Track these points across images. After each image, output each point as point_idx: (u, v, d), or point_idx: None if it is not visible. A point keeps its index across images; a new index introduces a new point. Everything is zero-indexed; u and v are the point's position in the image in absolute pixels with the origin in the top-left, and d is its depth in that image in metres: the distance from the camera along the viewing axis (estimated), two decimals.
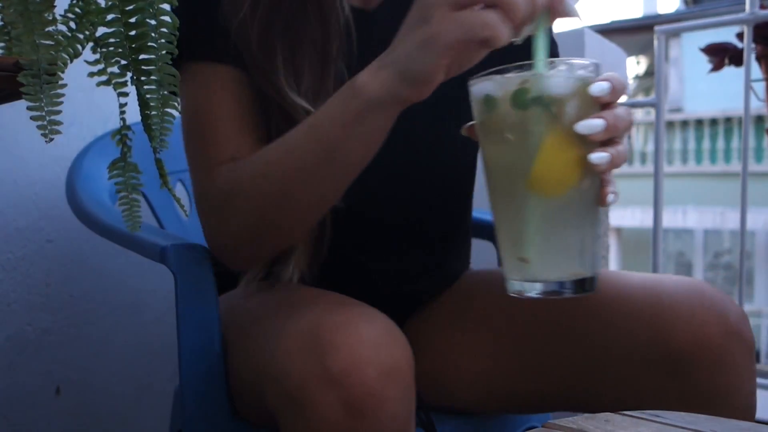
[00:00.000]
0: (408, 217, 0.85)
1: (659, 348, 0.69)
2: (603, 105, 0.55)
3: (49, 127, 0.55)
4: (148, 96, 0.59)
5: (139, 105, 0.60)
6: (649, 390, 0.69)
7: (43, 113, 0.55)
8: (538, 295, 0.57)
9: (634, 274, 0.78)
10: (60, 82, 0.55)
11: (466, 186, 0.91)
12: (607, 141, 0.55)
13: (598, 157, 0.54)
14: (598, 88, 0.54)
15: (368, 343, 0.60)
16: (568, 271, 0.56)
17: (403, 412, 0.61)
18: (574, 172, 0.55)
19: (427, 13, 0.55)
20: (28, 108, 0.55)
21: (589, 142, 0.54)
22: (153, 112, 0.60)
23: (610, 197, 0.56)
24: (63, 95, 0.56)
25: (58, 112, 0.56)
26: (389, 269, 0.86)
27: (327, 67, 0.74)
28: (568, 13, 0.55)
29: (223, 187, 0.72)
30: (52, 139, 0.55)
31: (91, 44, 0.58)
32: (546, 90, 0.53)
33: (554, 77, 0.54)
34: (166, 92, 0.60)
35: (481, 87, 0.56)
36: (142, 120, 0.61)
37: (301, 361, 0.60)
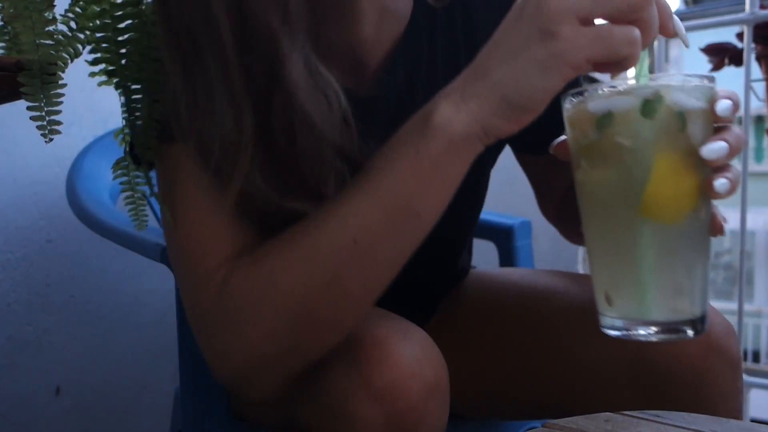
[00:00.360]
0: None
1: (638, 365, 0.67)
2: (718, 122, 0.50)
3: (49, 128, 0.55)
4: (133, 105, 0.58)
5: (125, 112, 0.58)
6: (630, 407, 0.68)
7: (43, 113, 0.55)
8: (651, 337, 0.50)
9: None
10: (60, 82, 0.55)
11: (481, 205, 0.86)
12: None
13: (721, 184, 0.48)
14: (724, 106, 0.48)
15: (411, 358, 0.58)
16: (685, 309, 0.50)
17: (441, 426, 0.60)
18: (693, 197, 0.49)
19: (549, 26, 0.46)
20: (28, 108, 0.55)
21: (707, 164, 0.48)
22: (138, 122, 0.58)
23: (725, 226, 0.51)
24: (63, 95, 0.55)
25: (58, 112, 0.55)
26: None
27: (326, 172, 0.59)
28: (677, 33, 0.50)
29: (236, 296, 0.56)
30: (51, 140, 0.55)
31: (92, 44, 0.58)
32: (675, 103, 0.47)
33: (685, 90, 0.48)
34: (151, 100, 0.58)
35: (597, 102, 0.49)
36: (128, 127, 0.59)
37: (344, 378, 0.58)
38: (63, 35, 0.55)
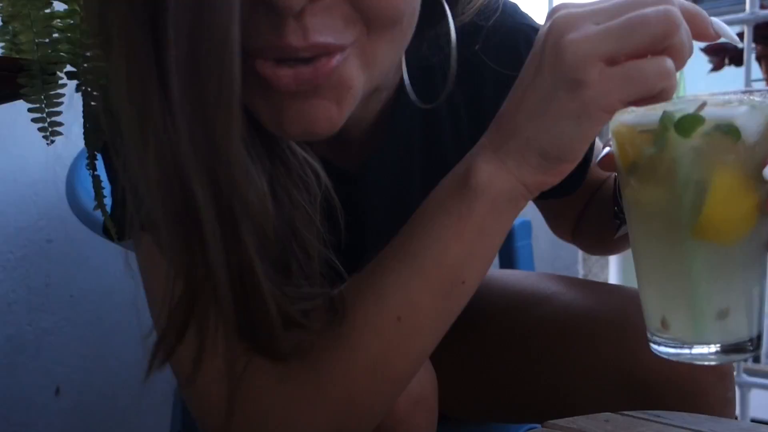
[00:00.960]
0: None
1: (625, 375, 0.66)
2: None
3: (50, 129, 0.55)
4: (93, 107, 0.55)
5: (84, 116, 0.54)
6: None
7: (44, 114, 0.55)
8: (709, 360, 0.48)
9: (613, 287, 0.74)
10: (60, 82, 0.55)
11: None
12: None
13: None
14: None
15: None
16: (741, 330, 0.48)
17: None
18: (751, 218, 0.46)
19: (574, 74, 0.42)
20: (29, 109, 0.55)
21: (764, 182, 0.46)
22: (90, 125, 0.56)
23: None
24: (63, 95, 0.55)
25: (59, 113, 0.55)
26: None
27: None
28: (722, 35, 0.47)
29: (271, 401, 0.48)
30: (53, 141, 0.55)
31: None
32: (735, 120, 0.44)
33: (738, 107, 0.45)
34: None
35: (641, 115, 0.47)
36: (84, 134, 0.56)
37: None
38: (48, 35, 0.54)
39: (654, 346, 0.51)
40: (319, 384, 0.47)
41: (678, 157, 0.45)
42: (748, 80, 1.41)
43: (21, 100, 0.56)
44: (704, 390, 0.64)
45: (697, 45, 1.71)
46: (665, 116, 0.44)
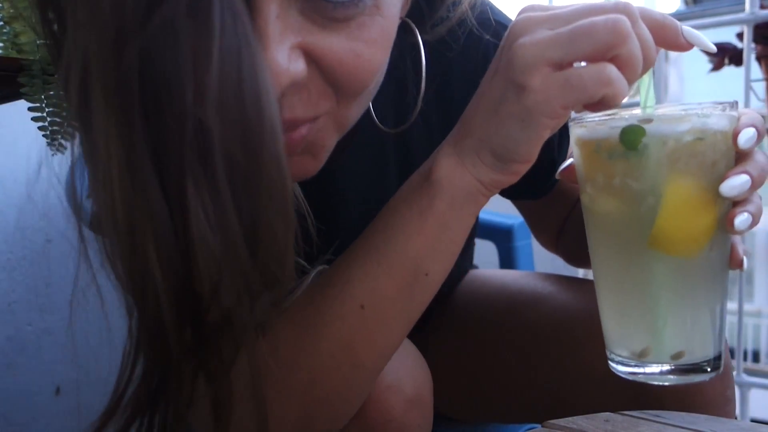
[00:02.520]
0: None
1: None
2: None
3: (50, 128, 0.55)
4: None
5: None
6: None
7: (44, 114, 0.55)
8: (654, 378, 0.47)
9: None
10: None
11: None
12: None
13: (741, 221, 0.45)
14: (746, 137, 0.45)
15: (389, 369, 0.56)
16: (697, 349, 0.47)
17: None
18: (708, 231, 0.45)
19: (520, 78, 0.44)
20: (29, 109, 0.55)
21: (727, 198, 0.45)
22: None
23: (745, 260, 0.48)
24: (64, 95, 0.55)
25: (59, 113, 0.55)
26: None
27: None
28: (694, 43, 0.46)
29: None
30: (53, 140, 0.55)
31: None
32: (676, 134, 0.44)
33: (689, 120, 0.45)
34: None
35: (592, 128, 0.47)
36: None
37: None
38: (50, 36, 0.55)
39: (611, 364, 0.50)
40: (285, 366, 0.49)
41: (629, 169, 0.45)
42: (748, 80, 1.41)
43: (21, 100, 0.56)
44: (702, 388, 0.63)
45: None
46: (613, 129, 0.45)
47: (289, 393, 0.50)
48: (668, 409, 0.62)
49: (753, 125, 0.46)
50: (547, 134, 0.46)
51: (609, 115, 0.46)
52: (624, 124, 0.45)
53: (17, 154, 1.16)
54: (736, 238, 0.49)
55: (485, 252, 1.15)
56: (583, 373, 0.70)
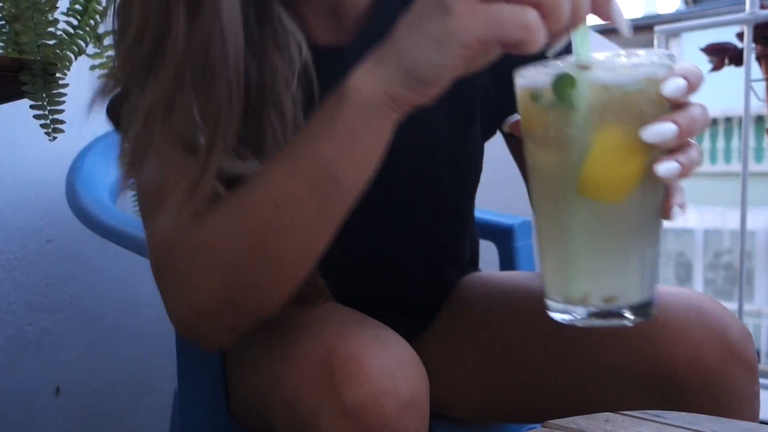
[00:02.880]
0: (408, 240, 0.80)
1: (653, 370, 0.66)
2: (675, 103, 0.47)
3: (52, 126, 0.56)
4: None
5: None
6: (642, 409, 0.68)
7: (46, 112, 0.55)
8: (584, 322, 0.49)
9: None
10: (61, 81, 0.55)
11: (473, 187, 0.85)
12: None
13: (666, 169, 0.46)
14: (672, 87, 0.46)
15: (385, 372, 0.57)
16: (622, 294, 0.48)
17: None
18: (634, 178, 0.47)
19: (447, 1, 0.45)
20: (31, 107, 0.55)
21: (655, 147, 0.46)
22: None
23: (676, 210, 0.49)
24: (65, 95, 0.56)
25: (61, 111, 0.56)
26: (394, 293, 0.82)
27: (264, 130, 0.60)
28: (614, 20, 0.47)
29: (179, 256, 0.58)
30: (55, 138, 0.56)
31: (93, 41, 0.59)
32: (605, 82, 0.45)
33: (620, 69, 0.46)
34: None
35: (529, 78, 0.48)
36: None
37: (314, 391, 0.58)
38: (66, 33, 0.55)
39: (548, 312, 0.51)
40: (213, 246, 0.56)
41: (561, 117, 0.46)
42: (748, 80, 1.41)
43: (21, 100, 0.56)
44: (731, 384, 0.64)
45: (698, 45, 1.71)
46: (547, 77, 0.45)
47: (216, 274, 0.57)
48: (701, 405, 0.63)
49: (685, 76, 0.46)
50: (459, 64, 0.46)
51: (545, 64, 0.46)
52: (557, 72, 0.45)
53: (17, 154, 1.16)
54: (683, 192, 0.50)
55: (485, 252, 1.15)
56: (614, 369, 0.69)
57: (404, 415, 0.57)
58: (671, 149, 0.47)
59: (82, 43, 0.56)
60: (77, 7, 0.56)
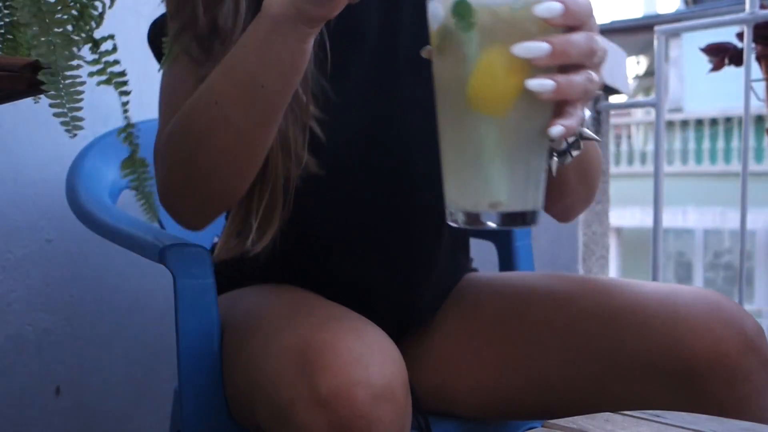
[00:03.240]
0: (395, 191, 0.80)
1: (674, 360, 0.68)
2: (569, 29, 0.51)
3: (72, 123, 0.57)
4: None
5: None
6: (661, 401, 0.69)
7: (65, 110, 0.56)
8: (463, 224, 0.54)
9: (646, 283, 0.77)
10: (78, 80, 0.56)
11: None
12: (567, 68, 0.51)
13: (536, 84, 0.49)
14: (544, 8, 0.49)
15: (358, 362, 0.58)
16: (507, 201, 0.53)
17: None
18: (513, 94, 0.51)
19: None
20: (51, 105, 0.56)
21: (536, 66, 0.50)
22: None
23: (555, 129, 0.51)
24: (83, 92, 0.57)
25: (80, 109, 0.57)
26: (382, 263, 0.82)
27: None
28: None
29: (162, 139, 0.71)
30: (75, 135, 0.57)
31: (89, 45, 0.59)
32: (493, 6, 0.50)
33: None
34: None
35: (435, 4, 0.53)
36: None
37: (289, 382, 0.59)
38: (64, 36, 0.55)
39: (447, 221, 0.55)
40: (173, 138, 0.69)
41: (458, 38, 0.51)
42: (748, 80, 1.41)
43: (21, 100, 0.56)
44: (749, 375, 0.67)
45: (698, 45, 1.71)
46: (447, 3, 0.51)
47: (176, 162, 0.69)
48: (721, 397, 0.66)
49: (563, 2, 0.49)
50: None
51: None
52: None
53: (17, 154, 1.16)
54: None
55: (485, 252, 1.15)
56: (634, 362, 0.71)
57: (378, 406, 0.57)
58: (561, 70, 0.51)
59: (75, 49, 0.56)
60: (73, 12, 0.56)
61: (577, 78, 0.51)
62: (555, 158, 0.62)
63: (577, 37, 0.50)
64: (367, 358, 0.59)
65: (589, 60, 0.51)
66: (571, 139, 0.61)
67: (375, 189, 0.79)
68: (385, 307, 0.81)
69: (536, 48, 0.49)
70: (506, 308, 0.82)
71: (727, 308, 0.70)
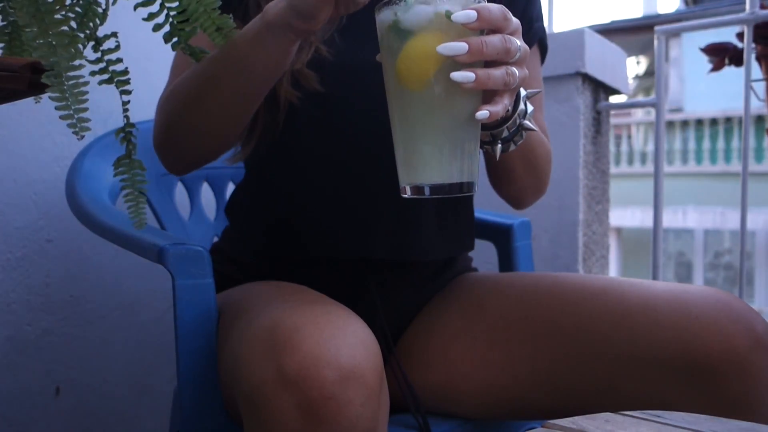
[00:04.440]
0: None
1: (686, 358, 0.69)
2: (491, 32, 0.61)
3: (78, 125, 0.56)
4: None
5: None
6: (673, 399, 0.70)
7: (71, 111, 0.56)
8: (409, 194, 0.63)
9: (657, 282, 0.78)
10: (82, 80, 0.56)
11: None
12: (493, 63, 0.60)
13: (460, 75, 0.59)
14: (461, 15, 0.59)
15: (327, 343, 0.59)
16: (428, 171, 0.62)
17: (366, 416, 0.59)
18: (429, 73, 0.61)
19: None
20: (57, 108, 0.55)
21: (461, 62, 0.60)
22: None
23: (480, 113, 0.61)
24: (87, 92, 0.56)
25: (85, 110, 0.56)
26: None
27: None
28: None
29: (164, 96, 0.83)
30: (83, 136, 0.57)
31: (91, 43, 0.59)
32: (421, 11, 0.61)
33: (435, 3, 0.61)
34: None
35: (381, 9, 0.64)
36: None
37: (259, 363, 0.60)
38: (64, 36, 0.55)
39: (401, 193, 0.64)
40: (167, 100, 0.81)
41: (393, 33, 0.62)
42: (748, 80, 1.41)
43: (21, 100, 0.56)
44: (759, 372, 0.68)
45: (698, 45, 1.71)
46: (390, 7, 0.62)
47: (166, 120, 0.81)
48: (732, 393, 0.68)
49: (479, 11, 0.59)
50: (326, 5, 0.62)
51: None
52: (394, 4, 0.62)
53: (17, 154, 1.16)
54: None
55: (485, 252, 1.15)
56: (648, 360, 0.72)
57: (347, 387, 0.57)
58: (489, 65, 0.61)
59: (80, 46, 0.56)
60: (77, 9, 0.56)
61: (496, 72, 0.60)
62: (499, 145, 0.73)
63: (492, 38, 0.60)
64: (338, 340, 0.60)
65: (506, 57, 0.61)
66: (513, 129, 0.71)
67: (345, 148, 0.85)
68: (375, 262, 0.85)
69: (456, 47, 0.59)
70: (512, 310, 0.82)
71: (737, 307, 0.71)
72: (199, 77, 0.74)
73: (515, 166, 0.85)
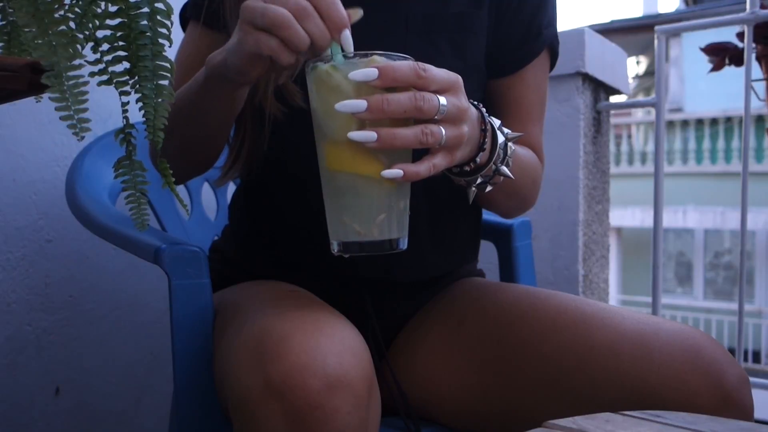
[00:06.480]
0: None
1: (645, 410, 0.64)
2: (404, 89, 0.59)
3: (78, 125, 0.56)
4: (142, 87, 0.60)
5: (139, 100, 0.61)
6: None
7: (71, 112, 0.55)
8: (337, 252, 0.64)
9: (628, 315, 0.73)
10: (81, 80, 0.56)
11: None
12: (420, 120, 0.60)
13: (357, 134, 0.59)
14: (357, 74, 0.59)
15: (313, 352, 0.58)
16: (352, 231, 0.62)
17: (354, 424, 0.58)
18: (343, 137, 0.60)
19: (241, 21, 0.62)
20: (57, 109, 0.55)
21: (362, 120, 0.59)
22: (146, 103, 0.60)
23: (388, 172, 0.60)
24: (87, 92, 0.56)
25: (85, 110, 0.56)
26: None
27: None
28: (344, 43, 0.61)
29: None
30: (83, 137, 0.56)
31: (91, 44, 0.58)
32: (327, 71, 0.61)
33: (347, 65, 0.61)
34: (160, 82, 0.61)
35: (309, 66, 0.64)
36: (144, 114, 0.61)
37: (246, 371, 0.59)
38: (64, 36, 0.55)
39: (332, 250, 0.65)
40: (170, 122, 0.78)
41: (312, 90, 0.64)
42: (748, 80, 1.41)
43: (21, 100, 0.56)
44: (728, 396, 0.64)
45: (698, 45, 1.71)
46: (313, 66, 0.63)
47: (171, 140, 0.74)
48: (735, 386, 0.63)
49: (378, 68, 0.58)
50: (251, 67, 0.63)
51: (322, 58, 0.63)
52: (314, 64, 0.63)
53: (17, 154, 1.16)
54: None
55: (485, 252, 1.15)
56: (597, 406, 0.68)
57: (334, 396, 0.57)
58: (403, 123, 0.60)
59: (79, 47, 0.56)
60: (77, 10, 0.56)
61: (407, 131, 0.59)
62: (473, 189, 0.72)
63: (398, 96, 0.59)
64: (325, 348, 0.59)
65: (419, 115, 0.59)
66: (488, 176, 0.71)
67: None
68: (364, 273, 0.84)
69: (354, 105, 0.58)
70: (489, 332, 0.81)
71: (707, 356, 0.65)
72: (175, 108, 0.75)
73: (496, 196, 0.82)
